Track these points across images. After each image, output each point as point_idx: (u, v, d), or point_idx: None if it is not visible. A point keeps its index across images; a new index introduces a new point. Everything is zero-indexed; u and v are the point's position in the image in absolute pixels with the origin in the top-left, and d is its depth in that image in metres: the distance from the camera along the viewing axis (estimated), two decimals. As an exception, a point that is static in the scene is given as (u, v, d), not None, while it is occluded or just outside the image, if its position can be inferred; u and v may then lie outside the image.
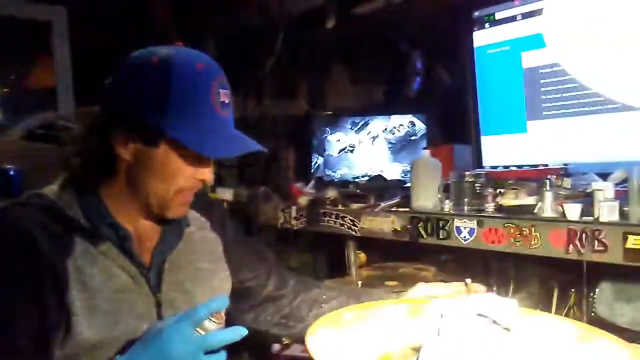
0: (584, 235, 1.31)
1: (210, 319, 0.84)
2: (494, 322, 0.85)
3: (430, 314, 0.92)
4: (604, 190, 1.35)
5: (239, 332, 0.85)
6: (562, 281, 1.63)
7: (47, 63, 2.77)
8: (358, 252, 2.10)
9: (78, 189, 0.98)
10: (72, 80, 2.76)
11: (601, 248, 1.28)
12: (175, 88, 0.91)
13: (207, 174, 1.00)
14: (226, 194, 2.23)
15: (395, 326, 1.05)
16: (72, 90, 2.76)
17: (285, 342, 1.71)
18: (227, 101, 0.97)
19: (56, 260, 0.91)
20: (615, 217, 1.31)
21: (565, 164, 1.78)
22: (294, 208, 2.08)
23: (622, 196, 1.38)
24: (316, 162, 2.56)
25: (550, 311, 1.58)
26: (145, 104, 0.92)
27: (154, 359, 0.82)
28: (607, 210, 1.30)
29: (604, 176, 1.57)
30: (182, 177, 0.97)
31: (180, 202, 1.00)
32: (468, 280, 1.09)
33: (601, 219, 1.31)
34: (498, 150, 2.10)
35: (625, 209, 1.34)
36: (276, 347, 1.73)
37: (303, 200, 2.07)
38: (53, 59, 2.75)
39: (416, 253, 2.05)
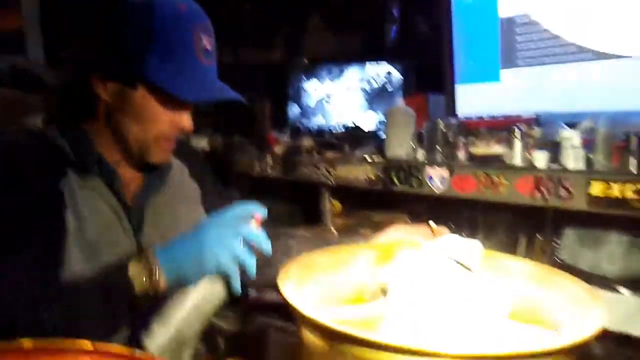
0: (549, 182, 1.34)
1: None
2: (458, 262, 0.88)
3: (399, 257, 0.95)
4: (571, 139, 1.38)
5: (269, 245, 0.87)
6: (529, 228, 1.68)
7: (13, 3, 2.66)
8: (333, 201, 2.13)
9: (61, 127, 0.97)
10: (40, 23, 2.65)
11: (566, 195, 1.32)
12: (156, 29, 0.90)
13: (186, 121, 0.99)
14: (201, 142, 2.23)
15: (366, 269, 1.08)
16: (41, 35, 2.67)
17: (260, 289, 1.75)
18: (209, 48, 0.96)
19: (52, 185, 0.91)
20: (581, 164, 1.34)
21: (536, 114, 1.81)
22: (269, 157, 2.08)
23: (589, 145, 1.42)
24: (292, 111, 2.55)
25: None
26: (125, 44, 0.91)
27: (191, 244, 0.85)
28: (573, 158, 1.33)
29: (574, 126, 1.60)
30: (161, 122, 0.96)
31: (161, 148, 1.00)
32: (431, 223, 1.12)
33: (567, 167, 1.34)
34: (472, 99, 2.11)
35: (591, 157, 1.37)
36: (252, 293, 1.77)
37: (279, 149, 2.07)
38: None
39: (390, 202, 2.08)
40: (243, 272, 0.85)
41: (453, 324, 0.78)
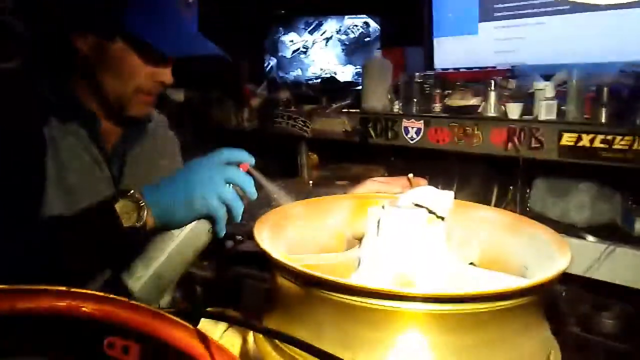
0: (522, 133, 1.36)
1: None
2: (430, 211, 0.89)
3: (375, 207, 0.95)
4: (545, 90, 1.40)
5: (254, 190, 0.87)
6: (502, 180, 1.72)
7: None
8: (310, 153, 2.13)
9: (40, 75, 0.96)
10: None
11: (537, 145, 1.35)
12: None
13: (166, 75, 0.98)
14: (177, 95, 2.19)
15: (342, 219, 1.09)
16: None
17: (239, 239, 1.77)
18: (190, 0, 0.95)
19: (33, 129, 0.90)
20: (553, 115, 1.36)
21: (512, 66, 1.82)
22: (246, 110, 2.07)
23: (563, 96, 1.44)
24: (269, 64, 2.52)
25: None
26: None
27: (178, 183, 0.84)
28: (545, 109, 1.35)
29: (549, 78, 1.61)
30: (139, 76, 0.95)
31: (140, 102, 0.99)
32: (410, 175, 1.13)
33: (540, 118, 1.37)
34: (449, 52, 2.11)
35: (563, 108, 1.39)
36: (229, 243, 1.79)
37: (255, 102, 2.06)
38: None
39: (367, 154, 2.10)
40: (229, 214, 0.86)
41: (422, 269, 0.80)
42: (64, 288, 0.51)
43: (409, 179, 1.15)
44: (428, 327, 0.63)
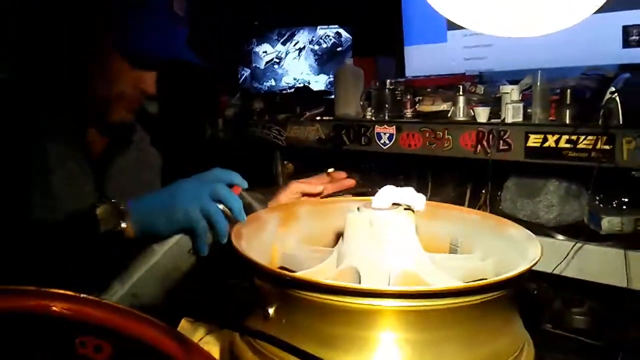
0: (490, 135, 1.40)
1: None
2: (408, 207, 0.89)
3: (352, 212, 0.93)
4: (511, 93, 1.44)
5: (241, 211, 0.84)
6: (474, 183, 1.75)
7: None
8: (286, 162, 2.15)
9: (29, 83, 0.96)
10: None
11: (505, 147, 1.38)
12: None
13: (149, 83, 0.98)
14: (151, 107, 2.19)
15: (315, 222, 1.09)
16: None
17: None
18: (180, 13, 0.96)
19: (20, 133, 0.91)
20: (520, 118, 1.40)
21: (480, 72, 1.86)
22: (220, 120, 2.08)
23: (529, 99, 1.48)
24: (243, 75, 2.53)
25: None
26: None
27: (163, 195, 0.84)
28: (512, 112, 1.39)
29: (516, 83, 1.66)
30: (124, 81, 0.95)
31: (122, 108, 0.99)
32: (330, 170, 1.15)
33: (507, 120, 1.40)
34: (420, 60, 2.15)
35: (529, 111, 1.43)
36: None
37: (229, 112, 2.07)
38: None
39: (342, 162, 2.12)
40: (213, 231, 0.83)
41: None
42: (33, 288, 0.52)
43: (328, 174, 1.17)
44: (401, 324, 0.64)
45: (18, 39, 0.98)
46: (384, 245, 0.79)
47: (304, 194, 1.07)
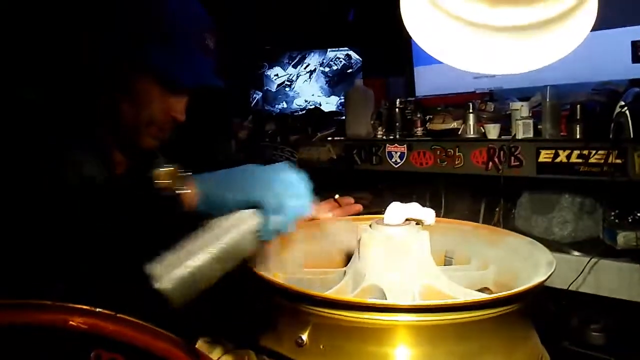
0: (501, 152, 1.40)
1: None
2: (418, 222, 0.89)
3: (365, 230, 0.93)
4: (521, 110, 1.44)
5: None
6: (488, 201, 1.75)
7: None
8: (298, 183, 2.15)
9: (60, 104, 0.99)
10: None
11: (517, 163, 1.38)
12: (166, 21, 0.93)
13: (180, 110, 1.00)
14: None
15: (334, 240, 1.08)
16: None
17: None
18: (211, 46, 1.00)
19: (53, 152, 0.91)
20: (530, 134, 1.40)
21: (490, 90, 1.87)
22: (233, 142, 2.10)
23: (539, 116, 1.48)
24: (255, 98, 2.57)
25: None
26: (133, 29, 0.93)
27: (231, 171, 0.78)
28: (522, 128, 1.39)
29: (525, 100, 1.66)
30: (155, 108, 0.97)
31: (152, 134, 1.01)
32: (337, 196, 1.16)
33: (518, 137, 1.40)
34: (429, 80, 2.16)
35: (539, 127, 1.44)
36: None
37: (242, 134, 2.09)
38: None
39: (355, 182, 2.13)
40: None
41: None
42: (50, 302, 0.53)
43: (335, 200, 1.18)
44: (416, 339, 0.64)
45: (49, 62, 1.01)
46: (404, 261, 0.79)
47: (311, 219, 1.08)
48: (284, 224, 0.76)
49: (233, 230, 0.73)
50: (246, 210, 0.74)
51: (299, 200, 0.78)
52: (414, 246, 0.80)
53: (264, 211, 0.75)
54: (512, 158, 1.39)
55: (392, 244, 0.79)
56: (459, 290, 0.77)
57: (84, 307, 0.55)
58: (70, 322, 0.54)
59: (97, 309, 0.56)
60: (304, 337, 0.65)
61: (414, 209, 0.90)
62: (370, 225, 0.89)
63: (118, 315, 0.57)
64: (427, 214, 0.87)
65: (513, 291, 0.67)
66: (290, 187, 0.78)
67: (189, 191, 0.76)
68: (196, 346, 0.87)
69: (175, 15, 0.95)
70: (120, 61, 0.96)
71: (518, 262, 0.79)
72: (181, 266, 0.70)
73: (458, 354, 0.65)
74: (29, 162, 0.91)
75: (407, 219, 0.89)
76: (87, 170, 0.97)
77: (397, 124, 1.70)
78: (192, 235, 0.72)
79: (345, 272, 0.85)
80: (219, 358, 0.89)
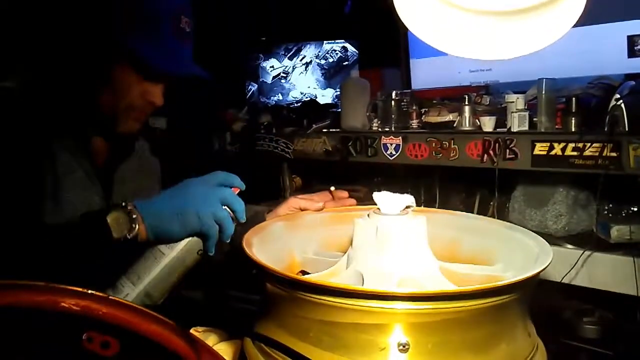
0: (497, 144, 1.40)
1: None
2: (408, 206, 0.89)
3: (361, 218, 0.93)
4: (516, 102, 1.44)
5: (243, 213, 0.88)
6: (482, 193, 1.75)
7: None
8: (293, 176, 2.16)
9: (38, 93, 0.98)
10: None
11: (512, 156, 1.38)
12: (144, 6, 0.93)
13: (157, 95, 1.00)
14: (160, 123, 2.21)
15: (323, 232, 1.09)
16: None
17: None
18: (187, 29, 0.99)
19: (33, 141, 0.93)
20: (525, 126, 1.41)
21: (486, 83, 1.87)
22: (228, 134, 2.09)
23: (534, 109, 1.48)
24: (250, 89, 2.56)
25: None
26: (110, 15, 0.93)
27: (174, 199, 0.85)
28: (518, 120, 1.39)
29: (522, 94, 1.66)
30: (133, 93, 0.97)
31: (130, 119, 1.00)
32: (332, 188, 1.16)
33: (513, 129, 1.40)
34: (425, 73, 2.16)
35: (535, 120, 1.44)
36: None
37: (237, 126, 2.09)
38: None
39: (350, 175, 2.12)
40: (219, 233, 0.86)
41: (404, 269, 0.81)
42: (43, 283, 0.52)
43: (330, 192, 1.18)
44: (414, 327, 0.64)
45: (27, 49, 1.01)
46: (387, 250, 0.80)
47: (303, 210, 1.09)
48: (225, 238, 0.86)
49: (177, 252, 0.85)
50: (188, 238, 0.85)
51: (235, 212, 0.86)
52: (401, 236, 0.81)
53: (207, 236, 0.85)
54: (507, 150, 1.39)
55: (379, 232, 0.81)
56: (441, 284, 0.78)
57: (77, 288, 0.54)
58: (62, 304, 0.53)
59: (90, 291, 0.55)
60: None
61: (399, 196, 0.89)
62: (368, 214, 0.90)
63: (110, 297, 0.56)
64: (408, 199, 0.87)
65: (508, 281, 0.67)
66: (224, 199, 0.85)
67: (139, 231, 0.83)
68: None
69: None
70: (96, 47, 0.95)
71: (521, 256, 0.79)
72: (133, 290, 0.82)
73: (453, 343, 0.65)
74: (6, 152, 0.90)
75: (406, 207, 0.89)
76: (65, 159, 0.97)
77: (393, 116, 1.70)
78: (140, 261, 0.84)
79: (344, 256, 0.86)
80: (214, 345, 0.89)
